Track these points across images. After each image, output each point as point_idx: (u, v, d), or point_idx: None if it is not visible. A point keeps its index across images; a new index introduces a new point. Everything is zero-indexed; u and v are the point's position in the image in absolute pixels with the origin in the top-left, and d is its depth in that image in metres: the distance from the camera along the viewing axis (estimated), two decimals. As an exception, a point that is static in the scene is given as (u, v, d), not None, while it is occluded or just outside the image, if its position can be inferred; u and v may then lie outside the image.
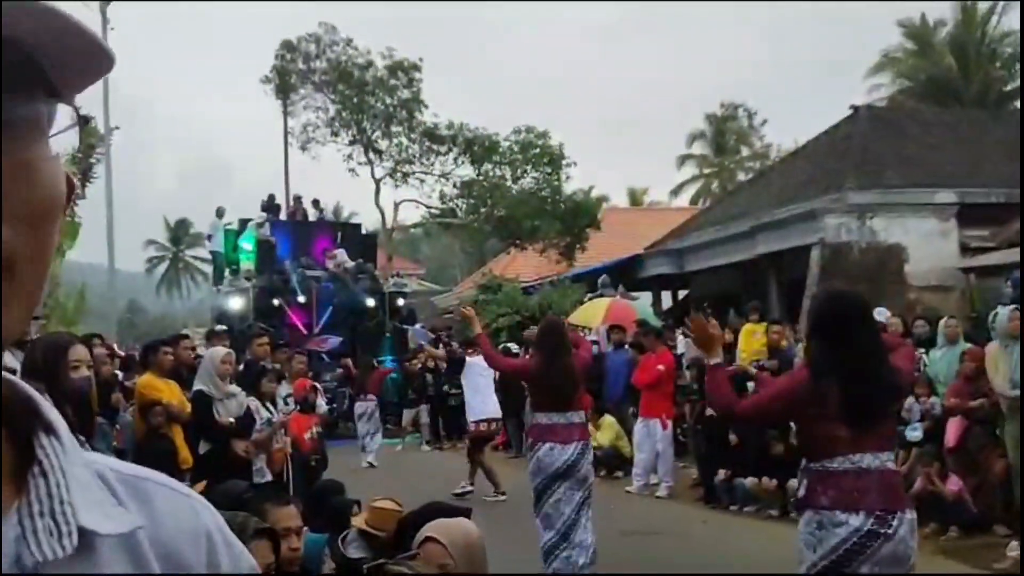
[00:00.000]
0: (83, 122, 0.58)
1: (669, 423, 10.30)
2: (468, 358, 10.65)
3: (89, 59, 0.57)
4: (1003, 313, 7.41)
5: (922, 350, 8.74)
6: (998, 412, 7.17)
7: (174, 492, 0.67)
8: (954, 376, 7.75)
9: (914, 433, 7.71)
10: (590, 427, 11.59)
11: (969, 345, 7.91)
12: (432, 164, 24.82)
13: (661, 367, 10.26)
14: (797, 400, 3.41)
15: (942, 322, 8.54)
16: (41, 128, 0.56)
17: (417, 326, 20.58)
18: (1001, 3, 27.33)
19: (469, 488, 9.84)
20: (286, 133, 25.53)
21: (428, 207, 25.84)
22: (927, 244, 13.47)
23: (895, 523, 3.21)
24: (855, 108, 18.15)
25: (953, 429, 7.52)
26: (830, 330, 3.41)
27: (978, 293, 12.72)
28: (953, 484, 7.25)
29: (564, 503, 5.74)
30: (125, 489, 0.63)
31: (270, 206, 21.31)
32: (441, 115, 24.38)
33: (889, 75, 28.92)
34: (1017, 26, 27.44)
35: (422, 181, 24.96)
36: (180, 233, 55.39)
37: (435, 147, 24.52)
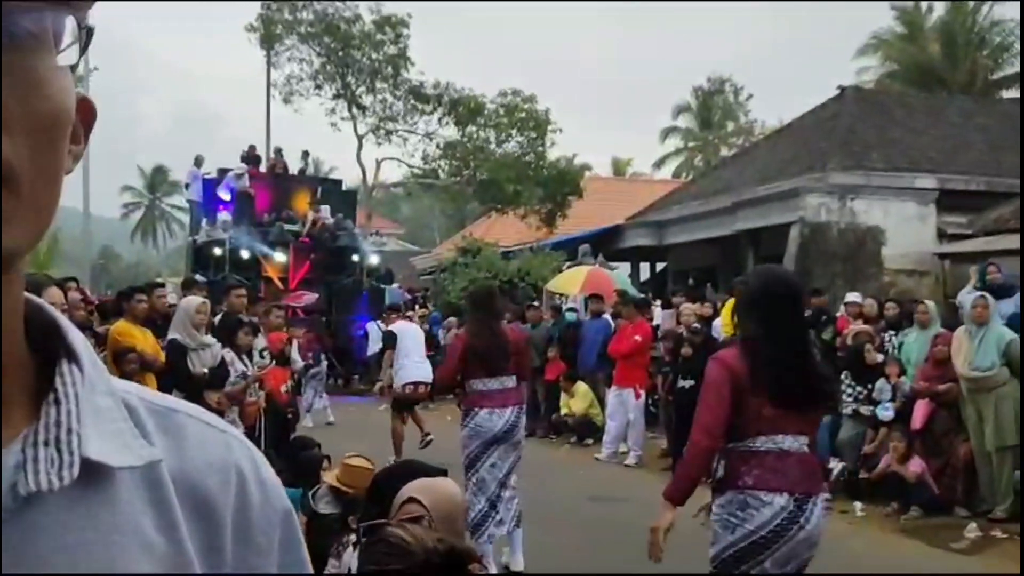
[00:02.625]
0: (87, 35, 0.55)
1: (642, 393, 10.40)
2: (394, 324, 10.61)
3: None
4: (967, 299, 7.53)
5: (892, 332, 8.86)
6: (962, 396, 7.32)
7: (207, 425, 0.65)
8: (924, 360, 7.87)
9: (886, 412, 7.83)
10: (563, 395, 11.81)
11: (942, 329, 8.02)
12: (416, 123, 24.58)
13: (638, 337, 10.32)
14: (735, 381, 3.22)
15: (921, 306, 8.64)
16: (46, 39, 0.53)
17: (394, 286, 20.53)
18: (992, -8, 27.35)
19: (429, 438, 9.70)
20: (268, 84, 25.14)
21: (410, 166, 25.63)
22: (905, 228, 13.57)
23: (810, 507, 3.18)
24: (842, 89, 18.16)
25: (920, 412, 7.65)
26: (766, 309, 3.31)
27: (952, 279, 12.86)
28: (916, 465, 7.38)
29: (498, 468, 5.72)
30: (155, 420, 0.61)
31: (250, 157, 21.04)
32: (427, 73, 24.14)
33: (877, 57, 28.93)
34: (1007, 15, 27.52)
35: (405, 140, 24.73)
36: (157, 180, 54.64)
37: (420, 106, 24.25)
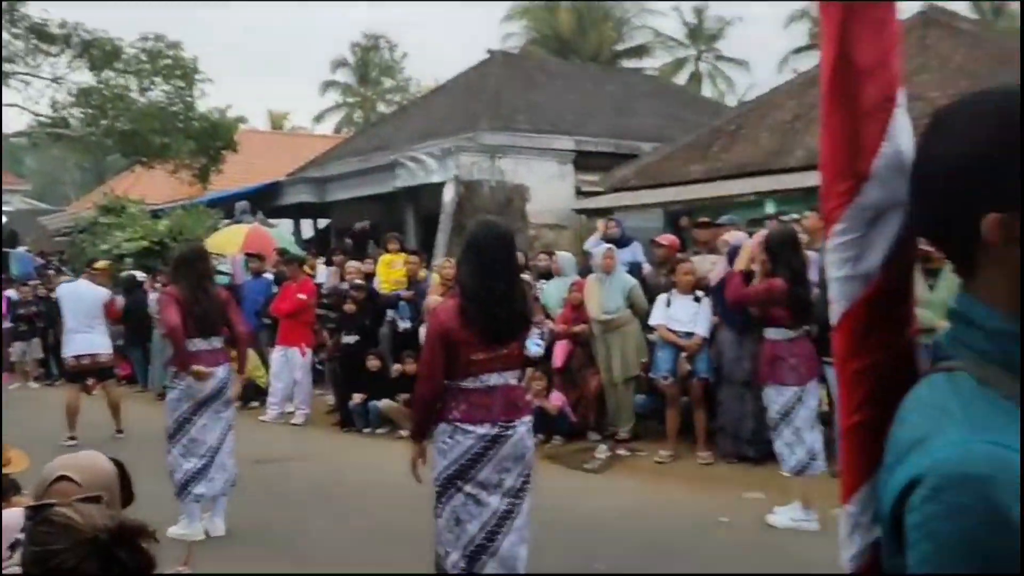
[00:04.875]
0: None
1: (308, 351, 10.41)
2: (62, 286, 9.80)
3: None
4: (597, 251, 8.54)
5: (543, 281, 9.73)
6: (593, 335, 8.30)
7: None
8: (563, 304, 8.77)
9: (536, 348, 8.59)
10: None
11: (577, 277, 8.97)
12: (39, 66, 21.78)
13: (302, 296, 10.28)
14: (448, 334, 3.64)
15: (554, 257, 9.58)
16: None
17: (21, 249, 18.29)
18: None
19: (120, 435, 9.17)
20: None
21: (35, 114, 22.72)
22: (547, 186, 14.81)
23: (513, 429, 3.71)
24: (491, 52, 19.21)
25: (560, 351, 8.54)
26: (478, 257, 3.69)
27: (588, 232, 14.33)
28: (556, 399, 8.26)
29: (210, 428, 5.75)
30: None
31: None
32: (52, 11, 21.49)
33: (522, 24, 30.92)
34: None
35: (27, 84, 21.84)
36: None
37: (44, 46, 21.51)
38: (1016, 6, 25.30)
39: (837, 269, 1.22)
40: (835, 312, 1.23)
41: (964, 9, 22.35)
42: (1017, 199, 0.97)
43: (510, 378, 3.78)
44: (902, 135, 1.19)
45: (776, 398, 5.70)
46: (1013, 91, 1.02)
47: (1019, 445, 0.89)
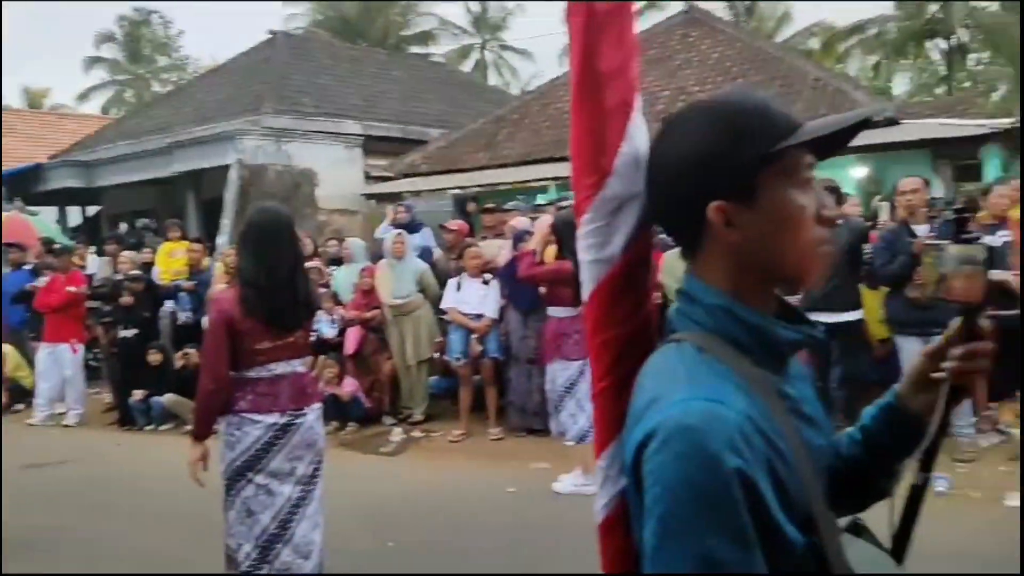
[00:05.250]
0: None
1: (80, 348, 9.73)
2: None
3: None
4: (387, 236, 8.61)
5: (332, 267, 9.65)
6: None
7: None
8: (353, 290, 8.76)
9: (331, 330, 8.49)
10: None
11: (368, 263, 8.98)
12: None
13: (72, 288, 9.58)
14: (232, 318, 3.57)
15: (344, 243, 9.52)
16: None
17: None
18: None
19: None
20: None
21: None
22: (336, 170, 14.61)
23: (304, 417, 3.72)
24: (273, 33, 18.60)
25: (352, 337, 8.54)
26: (258, 244, 3.63)
27: (377, 217, 14.29)
28: (350, 385, 8.27)
29: None
30: None
31: None
32: None
33: (306, 7, 30.12)
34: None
35: None
36: None
37: None
38: (764, 7, 27.75)
39: (586, 253, 1.38)
40: (585, 292, 1.39)
41: (719, 9, 24.30)
42: (732, 190, 1.16)
43: (297, 366, 3.77)
44: (638, 135, 1.36)
45: (562, 372, 6.04)
46: (728, 100, 1.22)
47: (732, 401, 1.07)
